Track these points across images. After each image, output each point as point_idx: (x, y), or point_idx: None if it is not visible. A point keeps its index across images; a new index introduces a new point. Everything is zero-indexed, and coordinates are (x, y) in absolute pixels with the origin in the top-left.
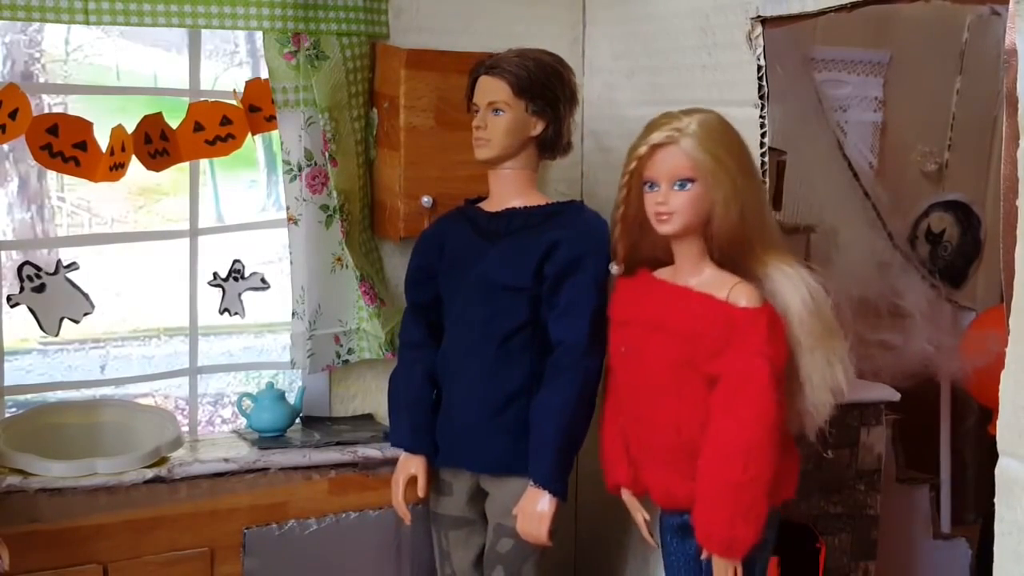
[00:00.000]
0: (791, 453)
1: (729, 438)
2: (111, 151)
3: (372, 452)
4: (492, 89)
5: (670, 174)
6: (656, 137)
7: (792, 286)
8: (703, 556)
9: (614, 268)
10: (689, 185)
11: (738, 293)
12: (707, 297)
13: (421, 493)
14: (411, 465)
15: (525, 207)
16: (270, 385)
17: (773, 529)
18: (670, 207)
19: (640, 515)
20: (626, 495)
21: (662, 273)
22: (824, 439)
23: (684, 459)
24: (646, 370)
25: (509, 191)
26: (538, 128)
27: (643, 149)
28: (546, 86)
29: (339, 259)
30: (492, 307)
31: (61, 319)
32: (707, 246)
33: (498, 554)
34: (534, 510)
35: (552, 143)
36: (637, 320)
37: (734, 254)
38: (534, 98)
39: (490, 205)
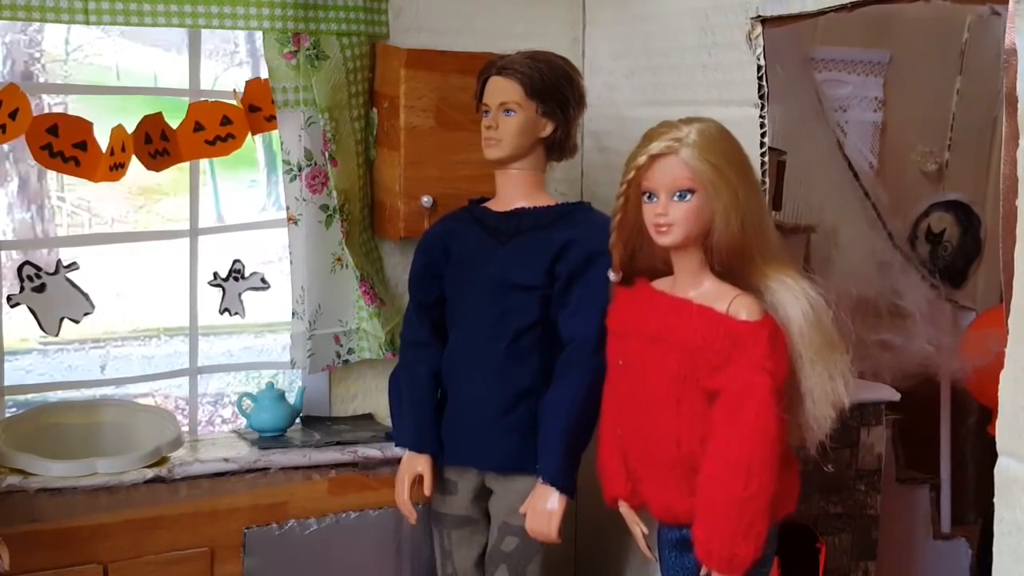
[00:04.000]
0: (792, 467)
1: (731, 454)
2: (111, 151)
3: (372, 452)
4: (504, 90)
5: (670, 185)
6: (655, 147)
7: (793, 298)
8: (702, 573)
9: (612, 275)
10: (689, 196)
11: (739, 306)
12: (707, 310)
13: (428, 492)
14: (417, 464)
15: (535, 207)
16: (270, 385)
17: (772, 545)
18: (670, 218)
19: (638, 529)
20: (624, 508)
21: (661, 284)
22: (825, 452)
23: (684, 473)
24: (645, 383)
25: (517, 191)
26: (547, 130)
27: (642, 159)
28: (557, 88)
29: (339, 259)
30: (502, 306)
31: (61, 319)
32: (707, 257)
33: (503, 553)
34: (544, 507)
35: (560, 145)
36: (636, 332)
37: (734, 265)
38: (545, 100)
39: (497, 205)
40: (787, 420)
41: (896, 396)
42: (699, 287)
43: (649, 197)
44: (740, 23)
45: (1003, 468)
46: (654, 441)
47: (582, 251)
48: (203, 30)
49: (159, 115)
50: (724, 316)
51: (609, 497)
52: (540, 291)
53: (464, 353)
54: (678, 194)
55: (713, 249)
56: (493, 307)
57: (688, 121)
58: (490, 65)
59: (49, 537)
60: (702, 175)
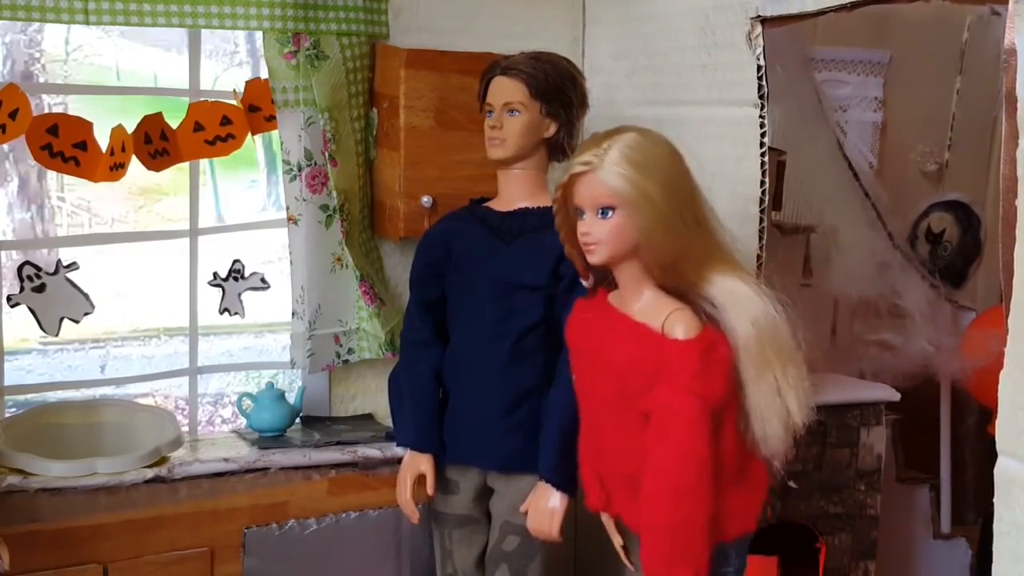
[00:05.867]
0: (751, 484)
1: (659, 478)
2: (111, 151)
3: (372, 452)
4: (509, 90)
5: (592, 202)
6: (574, 166)
7: (740, 310)
8: None
9: (584, 282)
10: (611, 213)
11: (673, 322)
12: (642, 328)
13: (430, 491)
14: (419, 463)
15: (538, 207)
16: (270, 385)
17: (732, 562)
18: (593, 236)
19: (616, 539)
20: (604, 518)
21: (613, 297)
22: (788, 470)
23: (635, 488)
24: (592, 400)
25: (520, 191)
26: (551, 130)
27: (564, 177)
28: (561, 89)
29: (339, 259)
30: (507, 305)
31: (61, 319)
32: (646, 269)
33: (503, 552)
34: (545, 506)
35: (562, 145)
36: (583, 349)
37: (669, 279)
38: (549, 100)
39: (500, 205)
40: (743, 436)
41: (896, 396)
42: (640, 300)
43: (580, 214)
44: (740, 23)
45: (1003, 468)
46: (608, 455)
47: None
48: (203, 30)
49: (159, 115)
50: (656, 335)
51: (589, 506)
52: (545, 291)
53: (467, 352)
54: (600, 211)
55: (646, 264)
56: (497, 306)
57: (610, 135)
58: (494, 65)
59: (49, 537)
60: (620, 192)
